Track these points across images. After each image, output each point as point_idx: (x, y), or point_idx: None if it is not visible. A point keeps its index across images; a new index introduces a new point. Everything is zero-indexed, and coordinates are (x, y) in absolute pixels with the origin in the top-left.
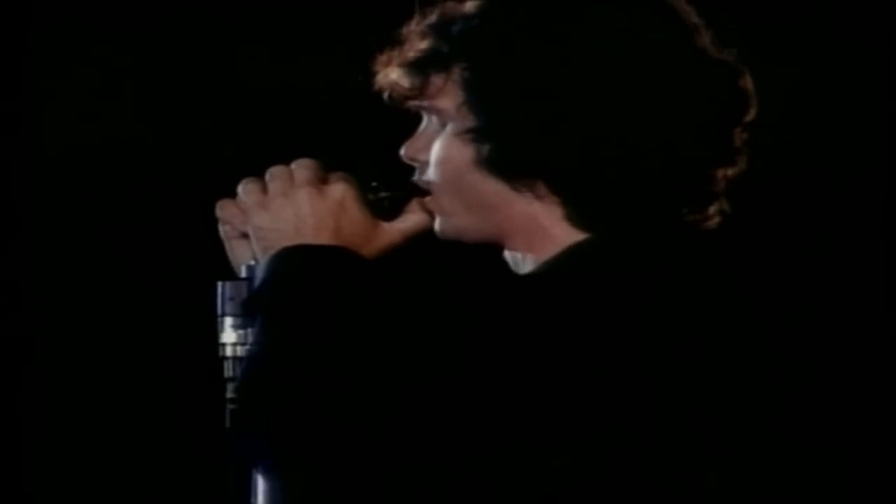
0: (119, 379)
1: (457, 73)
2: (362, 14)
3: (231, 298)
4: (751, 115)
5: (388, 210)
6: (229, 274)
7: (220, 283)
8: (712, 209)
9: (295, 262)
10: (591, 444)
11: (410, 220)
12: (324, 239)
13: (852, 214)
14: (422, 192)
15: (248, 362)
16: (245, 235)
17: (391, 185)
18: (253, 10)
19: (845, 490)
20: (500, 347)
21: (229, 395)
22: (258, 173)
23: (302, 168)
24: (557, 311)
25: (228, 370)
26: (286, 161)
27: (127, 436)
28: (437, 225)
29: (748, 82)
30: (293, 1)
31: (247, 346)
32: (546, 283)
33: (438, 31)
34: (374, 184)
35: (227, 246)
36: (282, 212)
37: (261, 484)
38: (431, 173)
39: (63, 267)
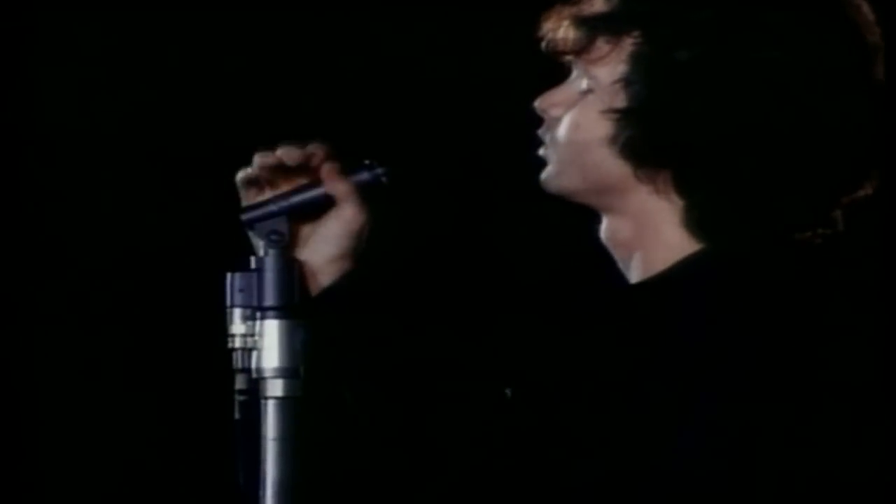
0: (128, 370)
1: (627, 43)
2: None
3: (241, 290)
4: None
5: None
6: (239, 265)
7: (229, 275)
8: (821, 230)
9: None
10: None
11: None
12: None
13: None
14: (380, 173)
15: None
16: (264, 186)
17: (385, 162)
18: None
19: None
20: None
21: (238, 386)
22: None
23: None
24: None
25: (237, 361)
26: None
27: (136, 427)
28: (543, 176)
29: None
30: None
31: (255, 338)
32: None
33: None
34: (367, 161)
35: (241, 191)
36: None
37: (269, 475)
38: (561, 134)
39: (71, 258)
